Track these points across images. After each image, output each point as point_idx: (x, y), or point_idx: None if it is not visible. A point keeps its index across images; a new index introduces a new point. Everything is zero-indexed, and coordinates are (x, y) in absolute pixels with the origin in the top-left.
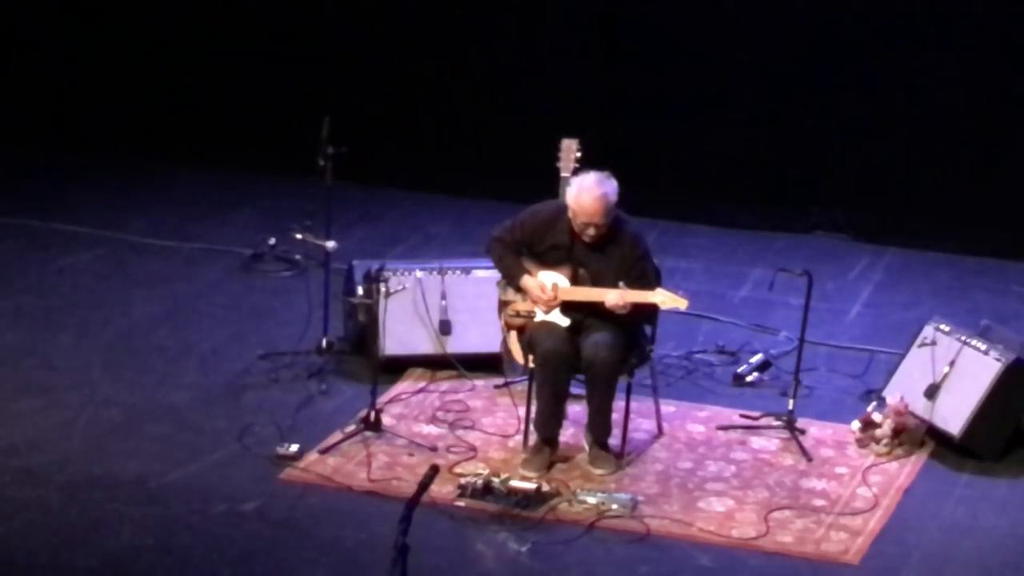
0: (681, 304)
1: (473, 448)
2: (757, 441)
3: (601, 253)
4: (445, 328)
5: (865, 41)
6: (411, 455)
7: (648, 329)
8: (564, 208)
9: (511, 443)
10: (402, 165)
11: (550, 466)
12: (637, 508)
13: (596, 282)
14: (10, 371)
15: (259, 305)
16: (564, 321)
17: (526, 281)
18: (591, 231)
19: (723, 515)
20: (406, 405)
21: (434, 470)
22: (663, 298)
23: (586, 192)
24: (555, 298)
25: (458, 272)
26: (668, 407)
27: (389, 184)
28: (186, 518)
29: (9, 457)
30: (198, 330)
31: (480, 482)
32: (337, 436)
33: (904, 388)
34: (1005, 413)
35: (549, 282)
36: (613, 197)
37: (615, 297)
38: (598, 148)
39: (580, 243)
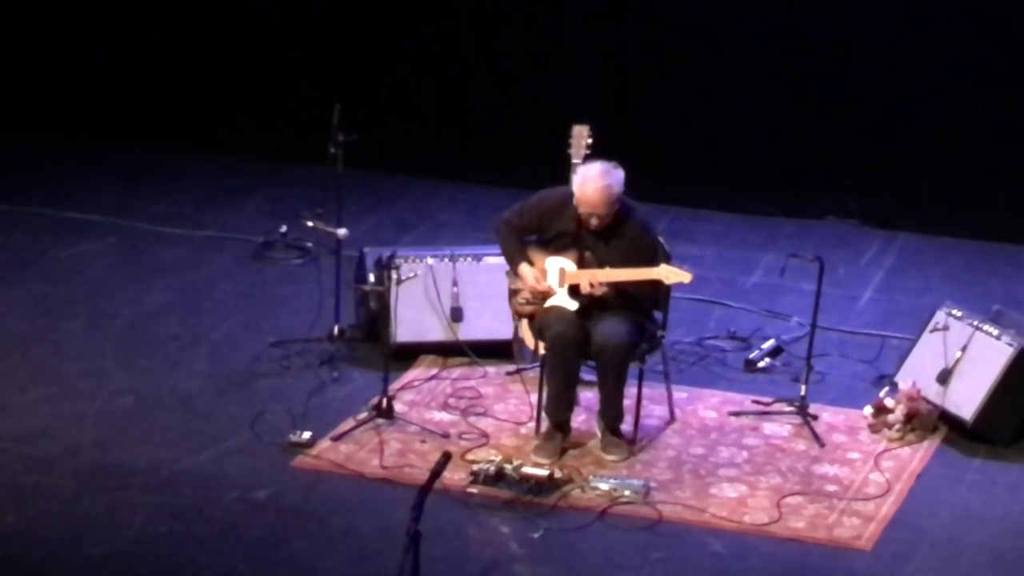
0: (685, 278)
1: (485, 435)
2: (769, 427)
3: (608, 241)
4: (456, 315)
5: (875, 26)
6: (423, 442)
7: (659, 315)
8: (572, 195)
9: (523, 430)
10: (413, 152)
11: (562, 452)
12: (649, 494)
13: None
14: (22, 359)
15: (270, 293)
16: (572, 305)
17: (523, 269)
18: (594, 220)
19: (735, 501)
20: (418, 392)
21: (446, 457)
22: (667, 273)
23: (589, 182)
24: (550, 290)
25: (469, 259)
26: (680, 393)
27: (400, 171)
28: (199, 506)
29: (22, 445)
30: (209, 318)
31: (492, 469)
32: (349, 423)
33: (916, 373)
34: (1017, 398)
35: (556, 267)
36: (617, 189)
37: (587, 280)
38: (609, 134)
39: (587, 230)
